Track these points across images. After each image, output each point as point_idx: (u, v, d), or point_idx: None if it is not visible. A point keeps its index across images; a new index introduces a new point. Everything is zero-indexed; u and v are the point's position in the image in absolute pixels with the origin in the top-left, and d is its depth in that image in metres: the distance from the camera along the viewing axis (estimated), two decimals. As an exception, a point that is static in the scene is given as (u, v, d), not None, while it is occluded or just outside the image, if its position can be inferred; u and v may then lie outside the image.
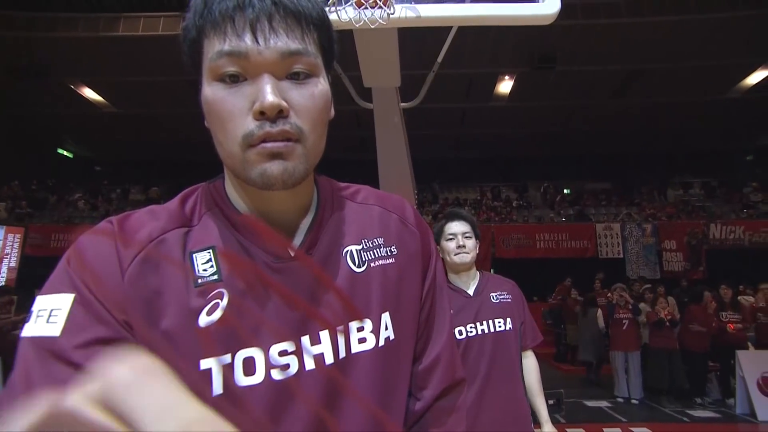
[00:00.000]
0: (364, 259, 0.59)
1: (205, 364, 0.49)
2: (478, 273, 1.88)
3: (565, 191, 13.78)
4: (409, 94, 4.00)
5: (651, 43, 8.97)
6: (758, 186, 11.54)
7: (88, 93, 11.07)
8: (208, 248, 0.53)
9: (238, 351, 0.50)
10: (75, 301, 0.47)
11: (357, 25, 2.13)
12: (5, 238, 10.00)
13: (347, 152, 12.91)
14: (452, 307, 1.77)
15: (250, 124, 0.49)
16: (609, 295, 6.66)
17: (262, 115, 0.49)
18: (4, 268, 9.88)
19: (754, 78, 10.22)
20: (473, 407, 1.66)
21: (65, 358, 0.44)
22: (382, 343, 0.56)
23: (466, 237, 1.83)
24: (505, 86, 10.91)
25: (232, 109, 0.50)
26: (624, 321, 6.30)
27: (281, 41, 0.49)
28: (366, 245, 0.60)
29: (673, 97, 10.98)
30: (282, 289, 0.53)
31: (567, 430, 4.62)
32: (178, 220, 0.55)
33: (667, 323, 6.16)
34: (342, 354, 0.53)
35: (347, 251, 0.58)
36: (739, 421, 5.47)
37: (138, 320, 0.48)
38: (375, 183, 5.00)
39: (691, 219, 10.37)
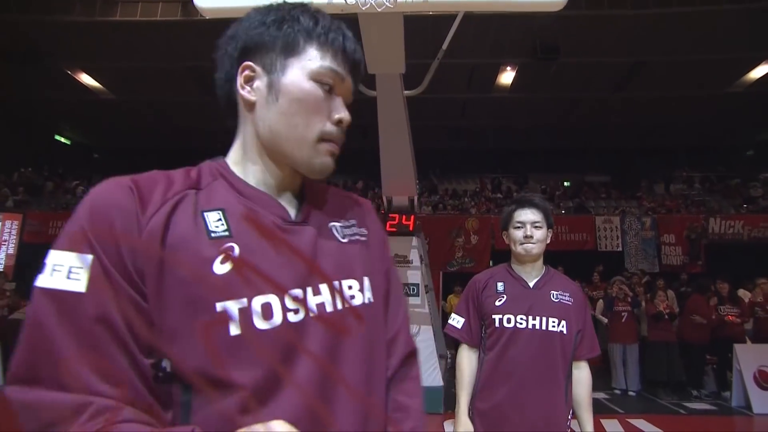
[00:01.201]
0: (345, 234, 0.70)
1: (220, 306, 0.54)
2: (544, 267, 1.76)
3: (565, 184, 13.76)
4: (411, 84, 3.94)
5: (654, 35, 8.88)
6: (760, 183, 11.54)
7: (86, 79, 10.92)
8: (218, 209, 0.60)
9: (254, 296, 0.56)
10: (94, 262, 0.51)
11: (363, 9, 2.07)
12: (3, 225, 9.95)
13: (349, 141, 12.81)
14: (507, 293, 1.69)
15: (328, 125, 0.66)
16: (610, 289, 6.66)
17: (339, 123, 0.66)
18: (2, 255, 9.84)
19: (756, 72, 10.15)
20: (505, 403, 1.58)
21: (89, 315, 0.49)
22: (366, 301, 0.66)
23: (536, 227, 1.69)
24: (507, 77, 10.82)
25: (321, 108, 0.65)
26: (623, 313, 6.33)
27: (355, 83, 0.70)
28: (344, 224, 0.71)
29: (675, 90, 10.90)
30: (290, 245, 0.61)
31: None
32: (187, 184, 0.62)
33: (666, 316, 6.18)
34: (339, 305, 0.62)
35: (332, 225, 0.69)
36: (735, 413, 5.52)
37: (153, 272, 0.53)
38: (377, 171, 4.96)
39: (690, 213, 10.37)
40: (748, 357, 5.67)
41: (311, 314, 0.59)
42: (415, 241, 5.45)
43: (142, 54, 9.67)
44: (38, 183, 12.75)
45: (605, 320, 6.47)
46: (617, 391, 6.23)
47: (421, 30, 7.30)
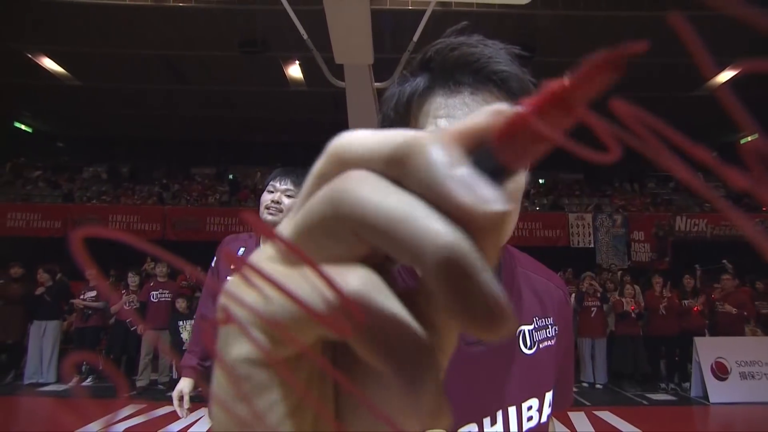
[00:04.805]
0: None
1: None
2: None
3: (540, 181, 14.04)
4: (383, 77, 3.90)
5: (626, 37, 9.09)
6: (722, 183, 12.03)
7: (48, 63, 10.38)
8: None
9: None
10: None
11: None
12: (-44, 216, 9.40)
13: (327, 135, 12.67)
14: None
15: None
16: (581, 284, 6.83)
17: None
18: (-44, 248, 9.30)
19: (722, 77, 10.57)
20: None
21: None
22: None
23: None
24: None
25: None
26: (592, 309, 6.51)
27: None
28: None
29: (644, 92, 11.24)
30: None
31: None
32: None
33: (633, 315, 6.40)
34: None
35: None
36: (693, 403, 5.79)
37: None
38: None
39: (659, 211, 10.76)
40: (706, 349, 5.94)
41: None
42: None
43: (109, 39, 9.25)
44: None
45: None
46: (585, 384, 6.43)
47: (396, 24, 7.25)
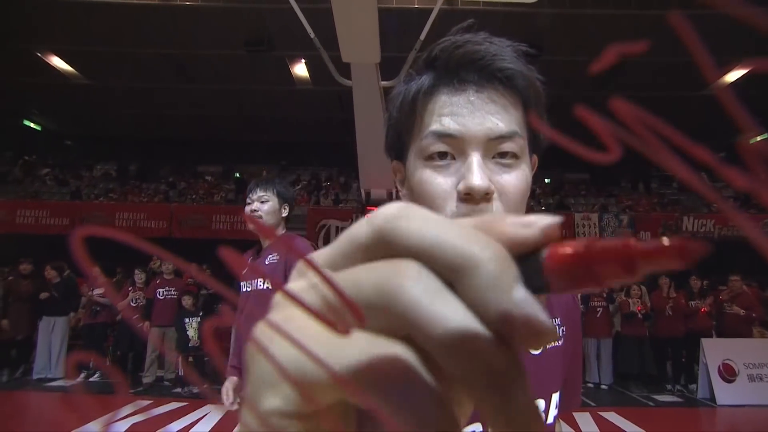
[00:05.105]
0: None
1: None
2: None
3: (546, 181, 13.96)
4: (390, 76, 3.89)
5: (635, 36, 9.03)
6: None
7: (57, 62, 10.48)
8: None
9: None
10: None
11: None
12: (-33, 213, 9.51)
13: (332, 134, 12.70)
14: None
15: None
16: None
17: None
18: (-34, 245, 9.42)
19: (731, 76, 10.44)
20: None
21: None
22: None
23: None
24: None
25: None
26: (598, 309, 6.47)
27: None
28: None
29: (652, 92, 11.14)
30: None
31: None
32: None
33: (640, 316, 6.35)
34: None
35: None
36: (700, 405, 5.74)
37: None
38: (355, 165, 4.92)
39: (666, 212, 10.66)
40: (713, 351, 5.89)
41: None
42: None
43: (117, 38, 9.32)
44: (5, 170, 12.23)
45: None
46: (590, 385, 6.39)
47: (403, 24, 7.23)
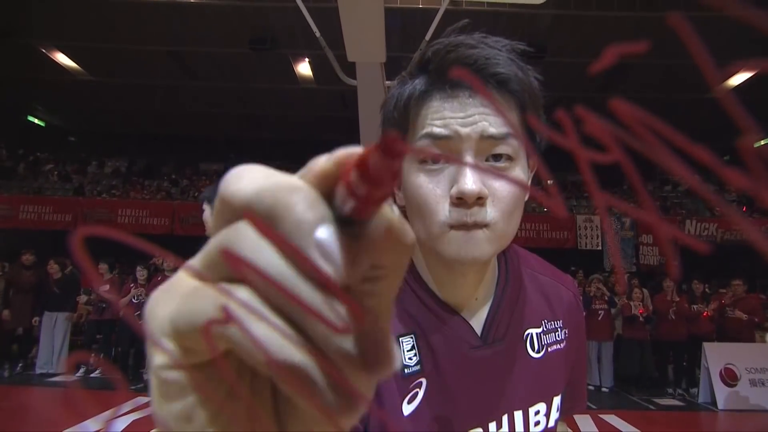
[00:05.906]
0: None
1: None
2: None
3: (549, 182, 13.96)
4: (395, 76, 3.89)
5: (637, 38, 8.98)
6: (733, 188, 11.90)
7: (61, 58, 10.51)
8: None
9: None
10: None
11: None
12: (-30, 208, 9.55)
13: (335, 133, 12.71)
14: None
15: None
16: (588, 287, 6.78)
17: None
18: (-31, 239, 9.46)
19: (736, 79, 10.40)
20: None
21: None
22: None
23: None
24: (494, 74, 10.85)
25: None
26: (599, 312, 6.45)
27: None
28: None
29: (658, 93, 11.10)
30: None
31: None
32: None
33: (641, 319, 6.34)
34: None
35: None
36: (701, 409, 5.72)
37: None
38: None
39: (668, 215, 10.63)
40: (715, 355, 5.86)
41: None
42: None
43: (121, 34, 9.35)
44: (9, 165, 12.28)
45: None
46: (591, 388, 6.38)
47: (408, 24, 7.23)
